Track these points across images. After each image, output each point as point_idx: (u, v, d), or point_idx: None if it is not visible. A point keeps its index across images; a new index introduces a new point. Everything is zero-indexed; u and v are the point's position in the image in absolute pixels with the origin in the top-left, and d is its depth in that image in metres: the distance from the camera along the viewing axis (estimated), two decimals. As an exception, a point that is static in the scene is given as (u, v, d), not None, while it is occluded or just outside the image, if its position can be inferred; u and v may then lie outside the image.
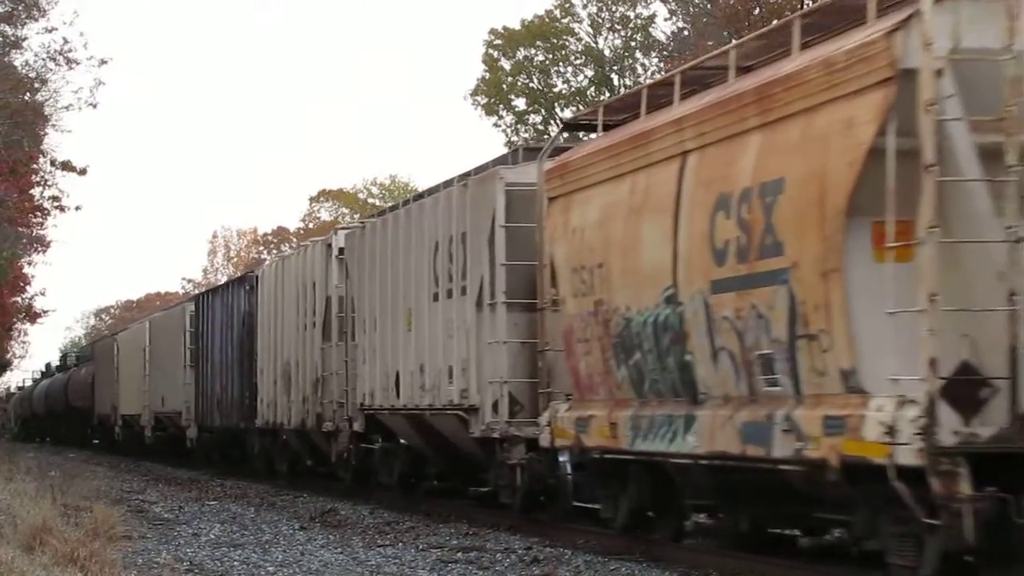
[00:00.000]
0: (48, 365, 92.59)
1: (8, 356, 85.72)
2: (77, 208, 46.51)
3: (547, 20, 64.07)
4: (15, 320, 65.75)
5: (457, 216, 21.41)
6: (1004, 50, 11.71)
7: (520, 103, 64.83)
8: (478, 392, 20.48)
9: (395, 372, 23.83)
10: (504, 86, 64.40)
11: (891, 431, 11.77)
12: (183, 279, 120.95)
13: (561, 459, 18.92)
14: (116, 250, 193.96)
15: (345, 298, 27.35)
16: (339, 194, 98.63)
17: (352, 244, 26.90)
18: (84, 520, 19.43)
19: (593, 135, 18.46)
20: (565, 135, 20.61)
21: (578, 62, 64.04)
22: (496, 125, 65.01)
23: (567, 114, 61.82)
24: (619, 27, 63.26)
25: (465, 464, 22.76)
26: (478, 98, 64.85)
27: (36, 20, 37.62)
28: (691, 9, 53.19)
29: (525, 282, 19.72)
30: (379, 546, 18.48)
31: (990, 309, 11.54)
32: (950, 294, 11.52)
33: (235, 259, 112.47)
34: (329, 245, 28.75)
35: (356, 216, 72.17)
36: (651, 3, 61.88)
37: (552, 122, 63.20)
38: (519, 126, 64.42)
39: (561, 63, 64.15)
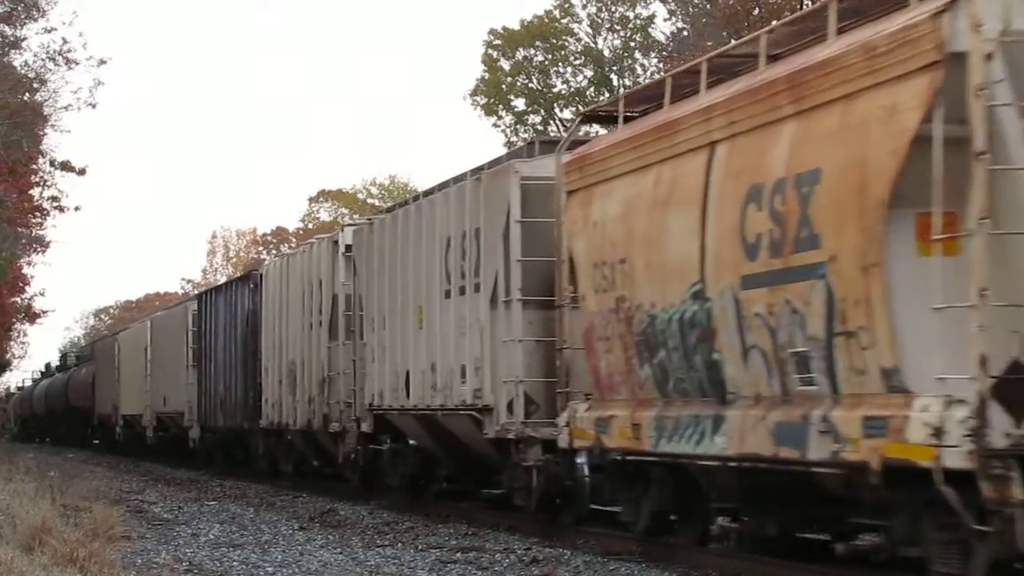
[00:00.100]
0: (48, 365, 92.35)
1: (7, 356, 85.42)
2: (76, 208, 46.67)
3: (546, 20, 63.95)
4: (14, 320, 65.54)
5: (470, 211, 20.87)
6: (1056, 33, 11.17)
7: (520, 103, 64.83)
8: (492, 392, 19.94)
9: (405, 371, 23.30)
10: (504, 86, 64.31)
11: (938, 433, 11.23)
12: (182, 279, 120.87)
13: (578, 461, 18.46)
14: (115, 250, 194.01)
15: (353, 296, 26.80)
16: (338, 194, 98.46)
17: (360, 241, 26.37)
18: (83, 520, 19.35)
19: (606, 128, 17.91)
20: (585, 127, 20.06)
21: (577, 62, 63.89)
22: (495, 125, 65.02)
23: (567, 114, 61.57)
24: (618, 27, 63.11)
25: (478, 466, 22.25)
26: (477, 98, 64.80)
27: (35, 20, 37.46)
28: (690, 9, 52.89)
29: (540, 279, 19.19)
30: (378, 546, 18.34)
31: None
32: (1000, 289, 10.98)
33: (234, 259, 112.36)
34: (336, 242, 28.18)
35: (356, 216, 71.77)
36: (650, 3, 61.86)
37: (551, 122, 62.99)
38: (518, 126, 64.33)
39: (560, 63, 64.02)
